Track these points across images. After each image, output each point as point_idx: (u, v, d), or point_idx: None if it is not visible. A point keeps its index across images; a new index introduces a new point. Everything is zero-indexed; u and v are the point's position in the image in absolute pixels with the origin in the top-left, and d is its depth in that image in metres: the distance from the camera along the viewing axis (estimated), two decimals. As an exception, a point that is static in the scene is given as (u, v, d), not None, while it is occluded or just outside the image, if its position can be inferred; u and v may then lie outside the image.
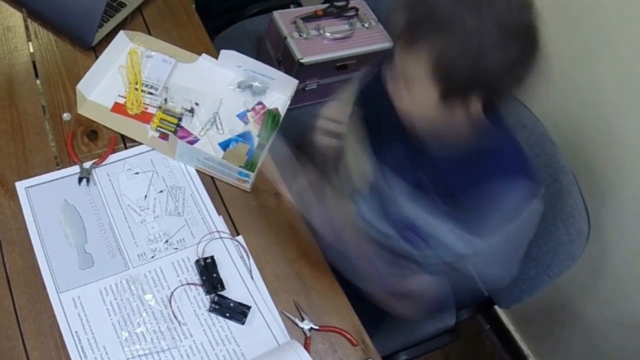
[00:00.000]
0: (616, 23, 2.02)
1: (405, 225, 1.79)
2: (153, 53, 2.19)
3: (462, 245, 1.67)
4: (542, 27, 1.97)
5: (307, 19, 2.72)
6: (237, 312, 1.70)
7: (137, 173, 1.92)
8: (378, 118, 1.86)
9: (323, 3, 2.91)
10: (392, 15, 1.50)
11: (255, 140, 2.08)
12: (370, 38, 2.74)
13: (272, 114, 2.14)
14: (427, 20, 1.40)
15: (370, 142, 1.87)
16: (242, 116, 2.14)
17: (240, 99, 2.19)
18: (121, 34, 2.17)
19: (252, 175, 1.91)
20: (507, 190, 1.62)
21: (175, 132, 2.02)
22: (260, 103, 2.19)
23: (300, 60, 2.57)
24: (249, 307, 1.71)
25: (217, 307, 1.70)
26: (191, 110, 2.10)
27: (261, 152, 2.02)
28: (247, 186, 1.96)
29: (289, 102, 2.19)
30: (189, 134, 2.04)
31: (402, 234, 1.79)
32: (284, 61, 2.19)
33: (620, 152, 2.10)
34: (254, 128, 2.12)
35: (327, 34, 2.68)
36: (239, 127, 2.11)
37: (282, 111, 2.18)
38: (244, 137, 2.08)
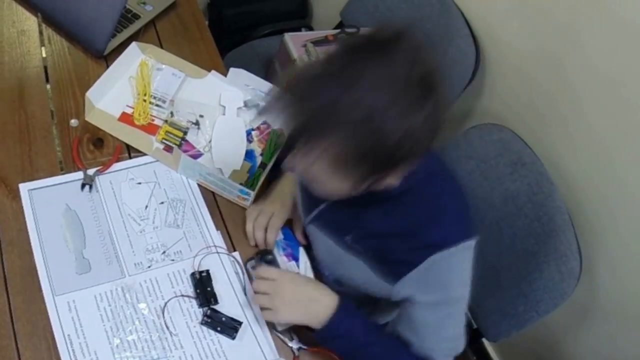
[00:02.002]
0: (601, 67, 2.04)
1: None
2: (163, 66, 2.21)
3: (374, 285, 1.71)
4: (536, 68, 1.99)
5: (317, 43, 2.74)
6: (229, 326, 1.71)
7: (140, 183, 1.94)
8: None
9: (334, 29, 2.93)
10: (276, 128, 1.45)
11: (258, 159, 2.10)
12: (378, 66, 2.76)
13: (277, 134, 2.16)
14: (313, 124, 1.32)
15: (302, 200, 1.88)
16: (247, 134, 2.16)
17: (246, 117, 2.21)
18: (133, 45, 2.19)
19: (253, 193, 1.93)
20: (453, 258, 1.60)
21: (179, 146, 2.04)
22: (265, 122, 2.21)
23: (308, 84, 2.60)
24: (240, 323, 1.73)
25: (209, 320, 1.71)
26: (197, 123, 2.12)
27: (263, 171, 2.05)
28: (246, 203, 1.97)
29: (294, 123, 2.20)
30: (193, 148, 2.07)
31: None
32: (292, 83, 2.22)
33: (615, 196, 2.12)
34: (257, 147, 2.14)
35: (337, 59, 2.71)
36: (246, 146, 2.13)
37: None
38: (247, 155, 2.10)
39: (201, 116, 2.14)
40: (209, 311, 1.73)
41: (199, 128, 2.12)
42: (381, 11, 2.86)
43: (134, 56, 2.21)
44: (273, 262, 1.79)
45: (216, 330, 1.71)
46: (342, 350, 1.71)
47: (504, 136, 2.17)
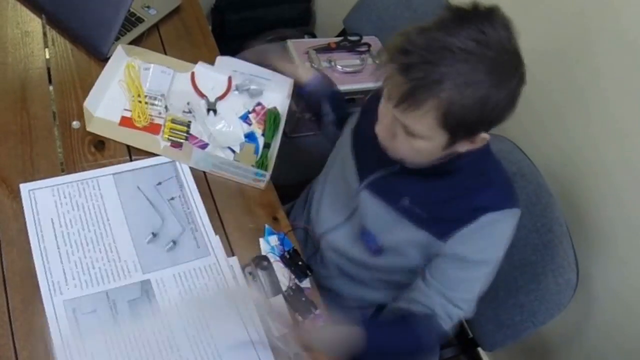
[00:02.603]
0: (603, 82, 2.05)
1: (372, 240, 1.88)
2: (150, 65, 2.21)
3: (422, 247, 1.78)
4: (542, 82, 2.00)
5: (320, 50, 2.75)
6: (305, 309, 1.81)
7: (139, 187, 1.95)
8: (363, 148, 1.92)
9: (337, 36, 2.94)
10: (383, 82, 1.51)
11: (261, 140, 2.15)
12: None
13: (273, 113, 2.21)
14: (429, 79, 1.40)
15: (357, 167, 1.91)
16: (245, 118, 2.21)
17: (239, 101, 2.25)
18: (119, 48, 2.19)
19: (268, 174, 2.00)
20: (496, 224, 1.70)
21: (186, 139, 2.07)
22: (259, 104, 2.26)
23: (309, 90, 2.61)
24: (311, 271, 1.85)
25: (288, 256, 1.87)
26: (190, 112, 2.15)
27: (269, 151, 2.10)
28: (261, 185, 2.03)
29: (288, 101, 2.26)
30: (199, 139, 2.09)
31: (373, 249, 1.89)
32: (294, 89, 2.23)
33: (613, 209, 2.12)
34: (257, 128, 2.19)
35: (338, 67, 2.71)
36: (244, 129, 2.17)
37: (281, 109, 2.26)
38: (249, 137, 2.15)
39: (188, 104, 2.18)
40: (291, 250, 1.86)
41: (194, 117, 2.14)
42: (384, 20, 2.87)
43: (122, 60, 2.22)
44: (268, 269, 1.80)
45: (290, 269, 1.86)
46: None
47: (504, 147, 2.17)
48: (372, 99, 1.97)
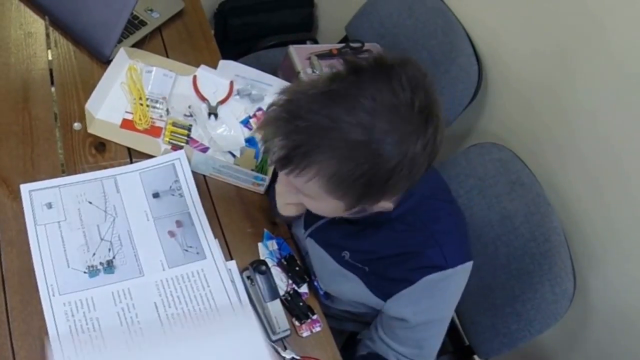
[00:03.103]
0: (601, 97, 2.06)
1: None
2: (153, 68, 2.22)
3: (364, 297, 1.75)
4: (538, 92, 2.00)
5: (321, 56, 2.76)
6: (298, 276, 1.85)
7: (139, 189, 1.95)
8: None
9: (339, 43, 2.95)
10: (267, 144, 1.42)
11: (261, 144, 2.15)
12: (382, 82, 2.78)
13: None
14: (309, 146, 1.32)
15: (305, 215, 1.87)
16: (246, 123, 2.21)
17: (240, 106, 2.26)
18: (122, 51, 2.20)
19: (267, 178, 1.99)
20: (444, 282, 1.64)
21: (187, 143, 2.08)
22: (260, 109, 2.27)
23: (311, 96, 2.61)
24: (314, 313, 1.83)
25: (285, 263, 1.89)
26: (191, 115, 2.16)
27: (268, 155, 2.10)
28: (261, 189, 2.03)
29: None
30: (199, 143, 2.10)
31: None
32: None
33: (611, 220, 2.13)
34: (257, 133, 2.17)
35: (340, 73, 2.72)
36: (245, 133, 2.18)
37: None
38: (250, 142, 2.16)
39: (189, 107, 2.18)
40: (287, 256, 1.86)
41: (195, 120, 2.15)
42: (386, 27, 2.88)
43: (124, 62, 2.22)
44: (266, 273, 1.80)
45: (287, 275, 1.87)
46: None
47: (504, 156, 2.18)
48: None
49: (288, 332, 1.77)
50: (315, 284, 1.88)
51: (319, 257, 1.82)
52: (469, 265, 1.65)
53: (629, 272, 2.11)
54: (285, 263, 1.88)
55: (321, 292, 1.87)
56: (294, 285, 1.85)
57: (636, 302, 2.12)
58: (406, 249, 1.63)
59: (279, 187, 1.78)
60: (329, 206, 1.47)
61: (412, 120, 1.31)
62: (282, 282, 1.86)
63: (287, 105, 1.36)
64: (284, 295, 1.81)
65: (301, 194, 1.49)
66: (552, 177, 2.25)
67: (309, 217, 1.84)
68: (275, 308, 1.76)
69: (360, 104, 1.29)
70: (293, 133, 1.33)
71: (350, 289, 1.76)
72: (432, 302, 1.66)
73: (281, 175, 1.51)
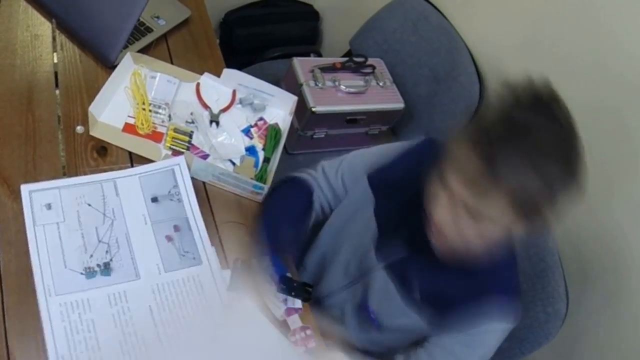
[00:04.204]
0: (602, 116, 2.06)
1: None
2: (157, 74, 2.24)
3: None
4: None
5: (324, 69, 2.77)
6: (302, 290, 1.80)
7: (139, 192, 1.96)
8: (388, 214, 1.83)
9: (343, 57, 2.97)
10: (452, 161, 1.45)
11: (261, 154, 2.18)
12: (383, 97, 2.79)
13: (274, 129, 2.23)
14: (509, 164, 1.34)
15: (377, 243, 1.85)
16: (247, 131, 2.23)
17: (242, 115, 2.27)
18: (127, 56, 2.21)
19: (266, 187, 2.01)
20: (493, 333, 1.70)
21: (187, 149, 2.09)
22: (261, 119, 2.28)
23: (313, 109, 2.62)
24: (311, 286, 1.82)
25: (284, 287, 1.79)
26: (193, 122, 2.17)
27: (268, 165, 2.13)
28: (259, 198, 2.04)
29: (290, 118, 2.28)
30: (200, 150, 2.12)
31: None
32: (297, 107, 2.25)
33: (606, 243, 2.14)
34: (258, 142, 2.21)
35: (342, 87, 2.73)
36: (245, 142, 2.20)
37: (283, 126, 2.27)
38: (250, 150, 2.17)
39: (191, 114, 2.20)
40: (283, 278, 1.80)
41: (196, 127, 2.16)
42: (390, 43, 2.90)
43: (129, 67, 2.24)
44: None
45: (291, 295, 1.81)
46: None
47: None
48: (382, 177, 1.88)
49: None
50: (372, 316, 1.86)
51: (384, 291, 1.81)
52: (511, 326, 1.71)
53: (622, 296, 2.12)
54: (284, 286, 1.81)
55: (375, 322, 1.86)
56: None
57: (629, 325, 2.13)
58: (473, 298, 1.66)
59: None
60: (496, 228, 1.47)
61: (579, 145, 1.42)
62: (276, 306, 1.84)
63: (483, 123, 1.44)
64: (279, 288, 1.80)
65: (465, 218, 1.46)
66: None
67: (385, 249, 1.82)
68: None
69: (549, 118, 1.38)
70: (492, 148, 1.36)
71: (408, 324, 1.78)
72: (475, 345, 1.72)
73: (445, 199, 1.49)
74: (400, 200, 1.65)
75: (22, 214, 1.81)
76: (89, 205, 1.89)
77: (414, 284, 1.74)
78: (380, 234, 1.84)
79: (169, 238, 1.89)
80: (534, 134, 1.34)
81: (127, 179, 1.98)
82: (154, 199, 1.95)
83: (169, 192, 1.97)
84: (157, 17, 2.43)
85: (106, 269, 1.78)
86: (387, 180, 1.84)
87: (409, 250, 1.76)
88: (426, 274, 1.72)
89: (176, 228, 1.91)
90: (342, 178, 1.98)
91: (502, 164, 1.34)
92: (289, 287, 1.79)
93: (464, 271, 1.65)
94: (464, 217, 1.45)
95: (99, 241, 1.83)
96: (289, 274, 1.85)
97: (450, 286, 1.69)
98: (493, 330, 1.67)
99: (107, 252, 1.81)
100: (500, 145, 1.35)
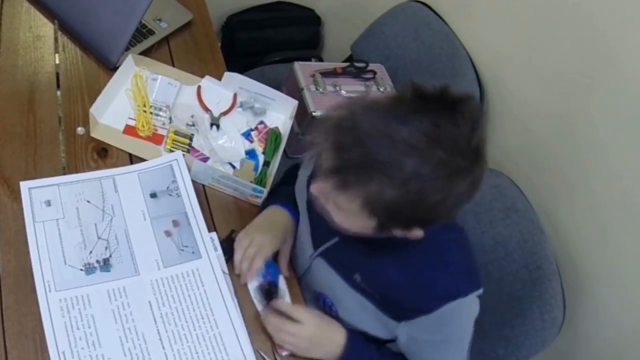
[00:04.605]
0: (602, 126, 2.07)
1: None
2: (158, 76, 2.25)
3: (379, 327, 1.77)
4: (538, 120, 2.01)
5: (325, 74, 2.78)
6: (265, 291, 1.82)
7: (138, 189, 1.97)
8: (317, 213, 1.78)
9: (344, 62, 2.97)
10: (316, 151, 1.41)
11: (261, 158, 2.18)
12: (384, 102, 2.79)
13: (275, 133, 2.24)
14: (361, 166, 1.30)
15: (312, 231, 1.88)
16: (247, 135, 2.23)
17: (243, 118, 2.28)
18: (129, 58, 2.22)
19: (265, 191, 2.01)
20: (458, 311, 1.66)
21: (188, 152, 2.10)
22: (262, 122, 2.29)
23: (313, 113, 2.63)
24: (276, 286, 1.83)
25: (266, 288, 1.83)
26: (194, 125, 2.18)
27: (268, 168, 2.13)
28: (259, 201, 2.05)
29: (291, 122, 2.28)
30: (200, 152, 2.12)
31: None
32: (298, 111, 2.25)
33: (604, 251, 2.14)
34: (258, 146, 2.21)
35: (343, 92, 2.74)
36: (245, 145, 2.20)
37: (283, 130, 2.27)
38: (250, 154, 2.18)
39: (192, 116, 2.20)
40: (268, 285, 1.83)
41: (197, 130, 2.17)
42: (391, 48, 2.90)
43: (130, 69, 2.24)
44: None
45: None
46: None
47: (501, 182, 2.20)
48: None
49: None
50: (328, 300, 1.86)
51: (328, 277, 1.82)
52: (479, 291, 1.66)
53: (620, 303, 2.12)
54: (267, 287, 1.83)
55: (334, 309, 1.86)
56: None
57: (625, 334, 2.13)
58: (419, 278, 1.63)
59: None
60: (358, 223, 1.46)
61: (467, 156, 1.30)
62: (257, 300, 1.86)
63: (348, 118, 1.34)
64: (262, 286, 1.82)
65: (332, 203, 1.46)
66: (547, 205, 2.27)
67: (319, 236, 1.84)
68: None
69: (422, 130, 1.27)
70: (348, 149, 1.32)
71: (358, 310, 1.77)
72: (447, 328, 1.68)
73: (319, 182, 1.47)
74: None
75: (22, 214, 1.82)
76: (88, 201, 1.90)
77: (351, 267, 1.74)
78: (314, 221, 1.86)
79: (168, 233, 1.90)
80: (398, 147, 1.28)
81: (126, 175, 1.99)
82: (153, 195, 1.96)
83: (168, 187, 1.98)
84: (159, 20, 2.44)
85: (106, 265, 1.79)
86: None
87: (339, 236, 1.76)
88: (361, 257, 1.71)
89: (175, 223, 1.92)
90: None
91: (351, 173, 1.33)
92: (269, 296, 1.81)
93: (394, 252, 1.64)
94: (331, 202, 1.47)
95: (99, 237, 1.83)
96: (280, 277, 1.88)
97: (387, 270, 1.67)
98: (458, 307, 1.62)
99: (106, 248, 1.82)
100: (355, 149, 1.31)
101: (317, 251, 1.84)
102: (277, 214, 1.97)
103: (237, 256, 1.85)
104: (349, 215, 1.45)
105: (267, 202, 2.01)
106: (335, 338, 1.76)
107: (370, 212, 1.38)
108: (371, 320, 1.77)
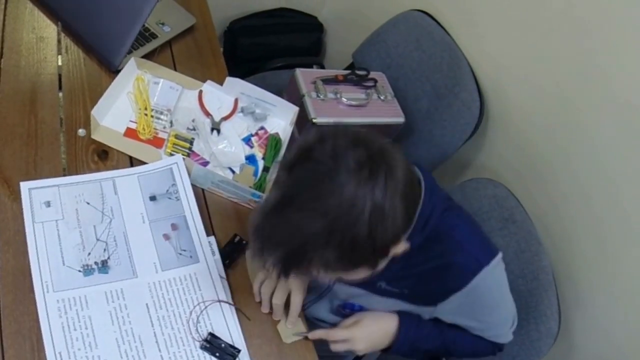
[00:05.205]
0: (600, 140, 2.08)
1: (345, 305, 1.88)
2: (160, 80, 2.25)
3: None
4: (538, 132, 2.01)
5: (327, 81, 2.78)
6: (227, 353, 1.73)
7: (138, 192, 1.98)
8: None
9: (345, 69, 2.98)
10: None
11: (260, 163, 2.19)
12: (384, 110, 2.79)
13: (275, 139, 2.24)
14: (290, 256, 1.34)
15: None
16: (247, 140, 2.24)
17: (243, 123, 2.28)
18: (131, 61, 2.22)
19: (264, 196, 2.01)
20: (485, 279, 1.66)
21: (188, 156, 2.10)
22: (262, 128, 2.30)
23: (314, 120, 2.63)
24: (238, 351, 1.74)
25: (208, 345, 1.73)
26: (194, 129, 2.19)
27: (268, 174, 2.14)
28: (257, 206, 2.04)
29: (291, 128, 2.29)
30: (200, 157, 2.13)
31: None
32: (298, 117, 2.25)
33: (599, 264, 2.15)
34: (258, 152, 2.22)
35: (344, 99, 2.74)
36: (246, 151, 2.21)
37: (283, 135, 2.28)
38: (250, 159, 2.19)
39: (193, 121, 2.21)
40: (209, 336, 1.74)
41: (198, 134, 2.18)
42: (392, 57, 2.91)
43: (133, 72, 2.25)
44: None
45: (215, 356, 1.72)
46: (430, 349, 1.85)
47: (499, 192, 2.20)
48: None
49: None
50: (357, 306, 1.86)
51: (350, 292, 1.83)
52: (499, 256, 1.68)
53: (615, 316, 2.13)
54: (207, 345, 1.75)
55: (356, 307, 1.86)
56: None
57: (619, 346, 2.14)
58: (439, 262, 1.65)
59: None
60: (355, 277, 1.48)
61: (356, 177, 1.28)
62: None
63: (257, 230, 1.38)
64: (202, 345, 1.74)
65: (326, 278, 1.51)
66: (545, 217, 2.27)
67: None
68: None
69: (304, 195, 1.31)
70: (270, 250, 1.36)
71: (393, 307, 1.80)
72: (484, 297, 1.70)
73: None
74: None
75: (21, 214, 1.83)
76: (88, 203, 1.90)
77: (373, 278, 1.68)
78: None
79: (167, 237, 1.90)
80: (287, 230, 1.33)
81: (126, 178, 1.99)
82: (152, 198, 1.97)
83: (167, 190, 1.99)
84: (162, 24, 2.45)
85: (104, 266, 1.79)
86: None
87: None
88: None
89: (174, 226, 1.93)
90: None
91: (293, 266, 1.38)
92: (214, 345, 1.74)
93: (411, 255, 1.61)
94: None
95: (97, 239, 1.84)
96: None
97: (409, 268, 1.67)
98: (484, 278, 1.64)
99: (105, 250, 1.83)
100: (275, 251, 1.36)
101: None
102: None
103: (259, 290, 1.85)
104: (341, 277, 1.48)
105: None
106: (387, 326, 1.80)
107: (341, 268, 1.39)
108: (407, 313, 1.80)
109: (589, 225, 2.17)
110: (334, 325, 1.91)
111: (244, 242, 1.95)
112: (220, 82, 2.31)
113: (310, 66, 3.13)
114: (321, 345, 1.84)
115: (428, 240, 1.61)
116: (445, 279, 1.67)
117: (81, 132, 2.06)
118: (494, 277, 1.70)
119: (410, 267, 1.67)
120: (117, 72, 2.19)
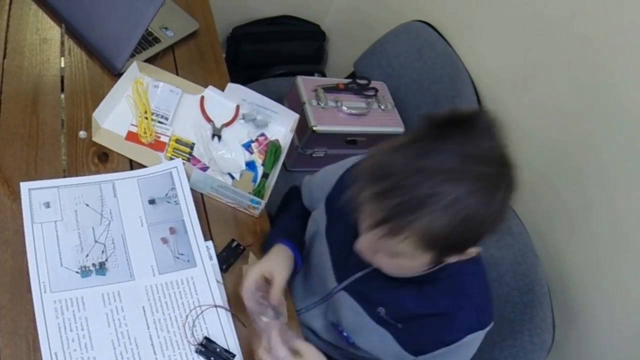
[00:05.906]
0: (602, 154, 2.09)
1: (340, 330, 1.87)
2: (160, 83, 2.26)
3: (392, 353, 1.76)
4: (538, 147, 2.01)
5: (328, 89, 2.79)
6: (222, 357, 1.73)
7: (137, 194, 1.98)
8: (341, 234, 1.83)
9: (346, 78, 2.99)
10: (357, 209, 1.42)
11: (260, 169, 2.19)
12: (384, 120, 2.81)
13: (275, 146, 2.25)
14: (405, 207, 1.31)
15: (334, 264, 1.87)
16: (247, 146, 2.25)
17: (244, 130, 2.30)
18: (133, 65, 2.23)
19: (263, 202, 2.01)
20: (474, 342, 1.68)
21: (188, 160, 2.11)
22: (263, 134, 2.30)
23: (314, 128, 2.64)
24: (233, 355, 1.74)
25: (203, 349, 1.73)
26: (195, 134, 2.20)
27: (267, 180, 2.14)
28: (256, 212, 2.06)
29: (291, 135, 2.30)
30: (200, 162, 2.13)
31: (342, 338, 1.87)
32: (298, 125, 2.26)
33: (595, 279, 2.15)
34: (258, 158, 2.23)
35: (344, 108, 2.75)
36: (245, 157, 2.22)
37: (283, 142, 2.29)
38: (249, 165, 2.19)
39: (194, 125, 2.22)
40: (204, 340, 1.74)
41: (198, 139, 2.19)
42: (394, 67, 2.92)
43: (135, 76, 2.26)
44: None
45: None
46: None
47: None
48: (334, 197, 1.92)
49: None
50: (345, 334, 1.86)
51: (351, 310, 1.81)
52: (492, 324, 1.68)
53: (608, 330, 2.13)
54: (202, 349, 1.75)
55: (350, 341, 1.86)
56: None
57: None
58: (441, 309, 1.65)
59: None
60: (411, 264, 1.48)
61: (495, 164, 1.33)
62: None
63: (377, 166, 1.37)
64: (197, 349, 1.74)
65: (382, 254, 1.49)
66: (541, 230, 2.28)
67: (343, 270, 1.84)
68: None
69: (448, 155, 1.31)
70: (388, 196, 1.33)
71: (379, 342, 1.77)
72: (460, 356, 1.70)
73: (364, 237, 1.49)
74: (349, 222, 1.59)
75: (20, 214, 1.83)
76: (87, 205, 1.91)
77: (376, 301, 1.75)
78: (336, 255, 1.86)
79: (165, 240, 1.91)
80: (435, 177, 1.31)
81: (126, 181, 2.00)
82: (151, 201, 1.97)
83: (167, 194, 2.00)
84: (166, 28, 2.46)
85: (101, 268, 1.80)
86: (338, 200, 1.84)
87: (364, 269, 1.76)
88: (385, 290, 1.72)
89: (172, 230, 1.93)
90: (310, 196, 2.08)
91: (398, 218, 1.34)
92: (209, 350, 1.74)
93: (420, 285, 1.66)
94: (381, 253, 1.50)
95: (96, 241, 1.84)
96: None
97: (412, 302, 1.68)
98: (474, 339, 1.65)
99: (102, 252, 1.83)
100: (395, 192, 1.33)
101: (341, 285, 1.84)
102: (280, 252, 1.89)
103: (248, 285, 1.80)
104: (402, 258, 1.46)
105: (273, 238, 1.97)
106: None
107: (425, 248, 1.39)
108: (388, 351, 1.77)
109: (586, 239, 2.18)
110: (323, 338, 1.95)
111: (242, 247, 1.96)
112: (222, 88, 2.32)
113: (311, 74, 3.15)
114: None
115: (441, 282, 1.63)
116: (441, 327, 1.66)
117: (82, 134, 2.06)
118: (478, 342, 1.70)
119: (414, 302, 1.68)
120: (120, 75, 2.20)
